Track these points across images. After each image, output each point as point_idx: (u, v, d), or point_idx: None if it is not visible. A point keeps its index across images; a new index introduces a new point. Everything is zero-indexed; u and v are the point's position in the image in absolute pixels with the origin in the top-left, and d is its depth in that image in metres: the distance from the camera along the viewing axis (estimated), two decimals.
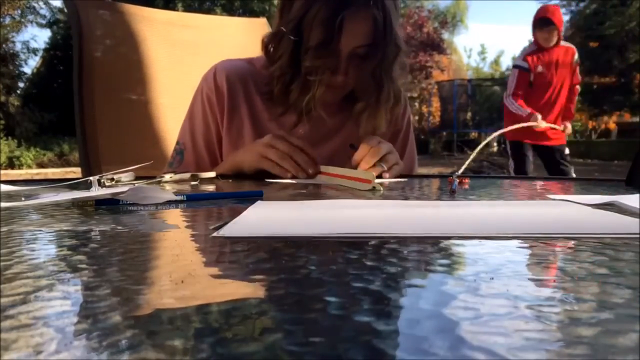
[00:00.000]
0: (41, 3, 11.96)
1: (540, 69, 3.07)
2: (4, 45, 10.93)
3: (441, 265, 0.25)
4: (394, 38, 0.88)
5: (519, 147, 3.25)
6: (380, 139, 0.89)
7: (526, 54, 3.17)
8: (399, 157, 0.91)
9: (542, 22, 3.02)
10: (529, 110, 3.02)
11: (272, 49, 0.95)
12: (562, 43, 3.11)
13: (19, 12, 11.35)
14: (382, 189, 0.64)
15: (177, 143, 1.05)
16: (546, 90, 3.10)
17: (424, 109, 16.42)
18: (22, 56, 11.90)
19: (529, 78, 3.10)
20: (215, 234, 0.32)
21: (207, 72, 1.04)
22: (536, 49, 3.11)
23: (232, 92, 1.01)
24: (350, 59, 0.89)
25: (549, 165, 3.25)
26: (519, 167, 3.27)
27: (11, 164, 9.47)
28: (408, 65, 1.02)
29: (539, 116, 2.98)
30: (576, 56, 3.14)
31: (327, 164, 0.97)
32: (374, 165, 0.83)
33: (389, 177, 0.85)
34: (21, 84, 12.57)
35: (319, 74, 0.88)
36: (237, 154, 0.94)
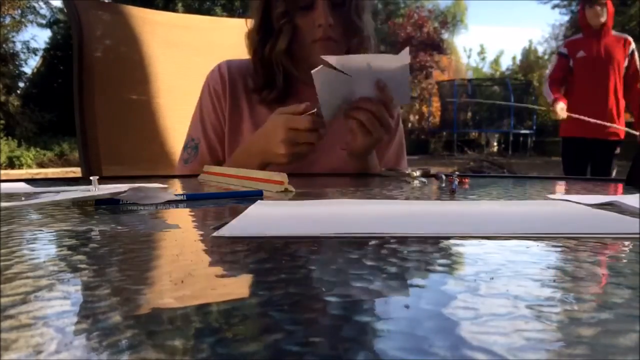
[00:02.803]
0: (41, 3, 11.97)
1: (581, 53, 2.95)
2: (4, 45, 10.93)
3: (441, 265, 0.25)
4: None
5: (572, 143, 3.05)
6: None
7: (567, 40, 3.10)
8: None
9: None
10: (554, 96, 2.89)
11: (250, 34, 1.00)
12: (614, 33, 2.97)
13: (19, 12, 11.35)
14: (294, 190, 0.61)
15: (192, 139, 1.06)
16: (591, 76, 2.93)
17: (424, 108, 16.43)
18: (22, 56, 11.91)
19: (568, 64, 2.99)
20: (215, 234, 0.32)
21: (212, 69, 1.07)
22: (580, 37, 3.03)
23: (234, 87, 1.04)
24: (330, 8, 0.93)
25: (597, 163, 3.02)
26: (569, 167, 3.07)
27: (11, 164, 9.48)
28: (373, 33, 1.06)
29: (561, 105, 2.84)
30: (632, 46, 2.95)
31: (324, 163, 0.98)
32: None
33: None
34: (21, 84, 12.59)
35: (288, 17, 0.93)
36: (253, 155, 0.88)
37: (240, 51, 1.10)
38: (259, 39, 0.98)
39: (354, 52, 0.96)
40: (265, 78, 1.00)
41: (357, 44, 0.98)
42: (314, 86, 0.78)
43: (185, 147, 1.06)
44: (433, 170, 0.90)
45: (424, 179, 0.76)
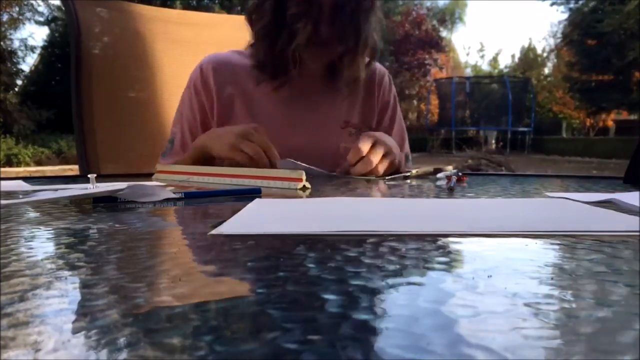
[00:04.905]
0: (39, 0, 11.94)
1: None
2: (1, 43, 10.90)
3: (439, 262, 0.25)
4: None
5: None
6: (374, 134, 0.90)
7: None
8: (393, 145, 0.92)
9: None
10: None
11: (254, 16, 0.98)
12: None
13: (17, 9, 11.32)
14: (310, 187, 0.63)
15: (171, 133, 1.09)
16: None
17: (422, 106, 16.43)
18: (20, 54, 11.88)
19: None
20: (213, 232, 0.32)
21: (195, 66, 1.07)
22: None
23: (220, 79, 1.04)
24: (332, 10, 0.91)
25: None
26: None
27: (9, 162, 9.45)
28: (384, 21, 1.04)
29: None
30: None
31: (323, 143, 0.98)
32: (363, 158, 0.85)
33: (380, 169, 0.87)
34: (19, 82, 12.56)
35: (305, 20, 0.91)
36: (206, 140, 0.93)
37: (238, 48, 1.10)
38: (273, 32, 0.95)
39: (345, 56, 0.97)
40: (276, 69, 0.99)
41: (353, 47, 0.96)
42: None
43: (168, 140, 1.10)
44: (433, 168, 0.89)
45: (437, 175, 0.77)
